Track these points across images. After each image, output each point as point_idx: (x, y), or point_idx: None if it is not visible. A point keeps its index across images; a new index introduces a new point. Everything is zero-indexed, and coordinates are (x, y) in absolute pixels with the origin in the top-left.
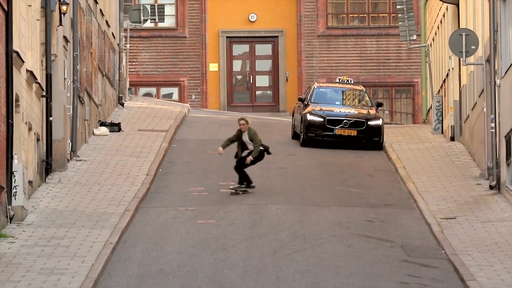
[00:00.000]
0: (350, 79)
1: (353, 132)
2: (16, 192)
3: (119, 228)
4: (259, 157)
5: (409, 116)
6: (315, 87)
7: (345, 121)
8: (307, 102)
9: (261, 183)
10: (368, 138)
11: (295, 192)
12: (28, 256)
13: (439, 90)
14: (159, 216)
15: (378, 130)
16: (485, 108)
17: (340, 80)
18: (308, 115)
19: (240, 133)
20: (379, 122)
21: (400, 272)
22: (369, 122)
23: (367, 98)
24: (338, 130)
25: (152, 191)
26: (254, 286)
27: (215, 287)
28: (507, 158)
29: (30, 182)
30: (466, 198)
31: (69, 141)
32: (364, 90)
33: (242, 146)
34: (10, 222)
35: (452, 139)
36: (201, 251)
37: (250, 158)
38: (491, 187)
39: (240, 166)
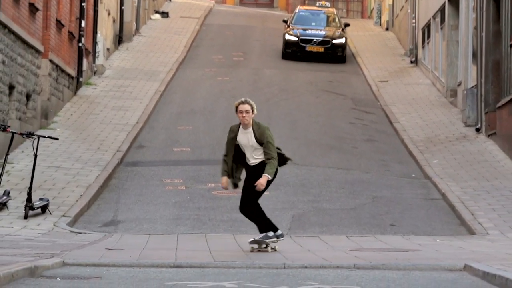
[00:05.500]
0: (327, 3)
1: (321, 49)
2: (98, 55)
3: (166, 80)
4: (274, 176)
5: (358, 14)
6: (297, 11)
7: (314, 40)
8: (289, 24)
9: (259, 55)
10: (333, 53)
11: (283, 61)
12: (104, 97)
13: None
14: (192, 74)
15: (342, 47)
16: (408, 9)
17: (319, 4)
18: (286, 35)
19: (236, 133)
20: (343, 40)
21: (350, 116)
22: (333, 41)
23: (337, 20)
24: (309, 47)
25: (188, 57)
26: None
27: (227, 122)
28: (423, 43)
29: (107, 49)
30: (394, 68)
31: (134, 22)
32: (335, 13)
33: (241, 159)
34: (94, 75)
35: (387, 29)
36: (219, 98)
37: (260, 183)
38: (411, 62)
39: (249, 203)
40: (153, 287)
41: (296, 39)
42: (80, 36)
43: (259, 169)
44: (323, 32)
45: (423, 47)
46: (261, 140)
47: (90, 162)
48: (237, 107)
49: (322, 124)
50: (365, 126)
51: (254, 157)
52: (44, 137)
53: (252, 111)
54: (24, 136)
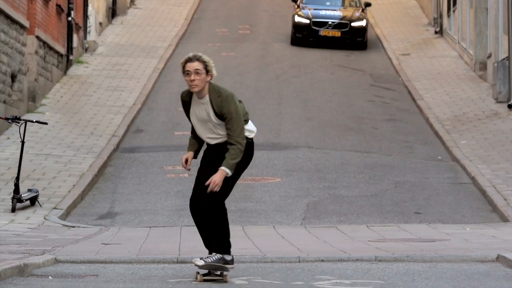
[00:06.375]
0: None
1: (337, 33)
2: (90, 30)
3: (165, 57)
4: (239, 170)
5: None
6: None
7: (329, 22)
8: (299, 4)
9: (267, 28)
10: (351, 38)
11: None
12: (98, 77)
13: None
14: (194, 49)
15: (362, 31)
16: None
17: None
18: (296, 16)
19: (188, 104)
20: (363, 23)
21: (369, 93)
22: (352, 24)
23: None
24: (323, 31)
25: (189, 31)
26: (262, 101)
27: None
28: (448, 11)
29: (100, 23)
30: (417, 40)
31: None
32: None
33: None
34: (85, 52)
35: None
36: (224, 76)
37: (214, 181)
38: (436, 32)
39: (209, 200)
40: (155, 285)
41: (307, 21)
42: (70, 9)
43: (222, 150)
44: (339, 13)
45: (448, 15)
46: (221, 114)
47: (83, 149)
48: (183, 67)
49: (338, 103)
50: (385, 104)
51: (217, 134)
52: (32, 121)
53: (207, 71)
54: (9, 121)
